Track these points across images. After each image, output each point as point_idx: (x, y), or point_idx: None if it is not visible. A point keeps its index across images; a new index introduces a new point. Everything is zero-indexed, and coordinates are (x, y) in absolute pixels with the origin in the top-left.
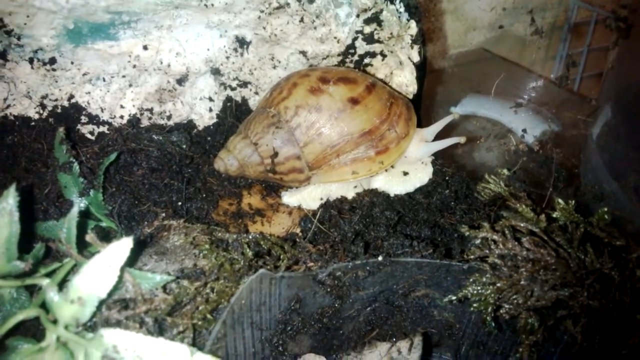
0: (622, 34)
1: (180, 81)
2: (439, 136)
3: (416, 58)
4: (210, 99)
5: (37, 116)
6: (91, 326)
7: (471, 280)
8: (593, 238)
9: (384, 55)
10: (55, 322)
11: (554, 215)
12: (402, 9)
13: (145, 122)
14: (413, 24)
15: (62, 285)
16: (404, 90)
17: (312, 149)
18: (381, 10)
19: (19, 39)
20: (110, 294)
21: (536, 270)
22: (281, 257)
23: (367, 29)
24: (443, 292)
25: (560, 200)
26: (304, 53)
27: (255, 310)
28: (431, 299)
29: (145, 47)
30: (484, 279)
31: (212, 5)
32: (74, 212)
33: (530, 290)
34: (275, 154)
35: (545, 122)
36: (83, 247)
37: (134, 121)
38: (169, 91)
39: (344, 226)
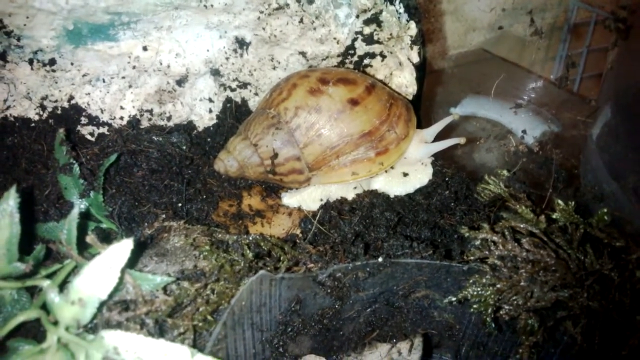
0: (621, 35)
1: (180, 82)
2: (438, 137)
3: (416, 59)
4: (210, 100)
5: (37, 117)
6: (92, 328)
7: (471, 281)
8: (593, 239)
9: (383, 56)
10: (56, 323)
11: (554, 216)
12: (401, 10)
13: (145, 123)
14: (413, 24)
15: (62, 287)
16: (404, 91)
17: (312, 150)
18: (381, 11)
19: (18, 40)
20: (110, 296)
21: (536, 272)
22: (281, 258)
23: (367, 30)
24: (443, 293)
25: (560, 201)
26: (303, 54)
27: (256, 311)
28: (431, 300)
29: (144, 48)
30: (484, 280)
31: (212, 6)
32: (75, 213)
33: (530, 291)
34: (275, 155)
35: (545, 122)
36: (83, 249)
37: (134, 122)
38: (169, 92)
39: (344, 227)
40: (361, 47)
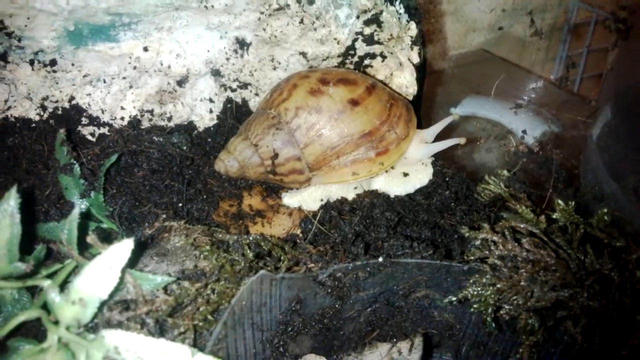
0: (621, 35)
1: (181, 82)
2: (439, 137)
3: (416, 59)
4: (211, 101)
5: (37, 118)
6: (92, 327)
7: (471, 281)
8: (593, 239)
9: (383, 57)
10: (56, 323)
11: (554, 216)
12: (402, 11)
13: (145, 124)
14: (413, 25)
15: (63, 287)
16: (404, 92)
17: (312, 150)
18: (381, 12)
19: (19, 40)
20: (111, 295)
21: (536, 271)
22: (282, 258)
23: (367, 31)
24: (443, 293)
25: (560, 201)
26: (304, 54)
27: (256, 311)
28: (431, 300)
29: (145, 49)
30: (484, 280)
31: (212, 6)
32: (75, 213)
33: (530, 291)
34: (276, 155)
35: (545, 123)
36: (84, 249)
37: (135, 122)
38: (170, 92)
39: (345, 227)
40: (361, 48)
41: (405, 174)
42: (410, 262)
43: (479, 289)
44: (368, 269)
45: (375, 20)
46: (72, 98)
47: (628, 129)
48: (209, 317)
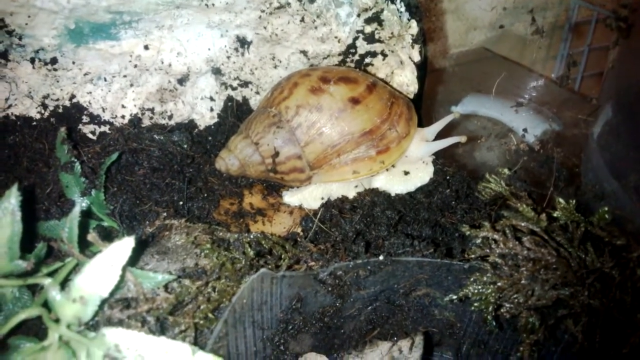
0: (622, 34)
1: (182, 81)
2: (439, 135)
3: (417, 57)
4: (212, 99)
5: (38, 116)
6: (93, 325)
7: (472, 279)
8: (594, 237)
9: (384, 55)
10: (57, 321)
11: (555, 215)
12: (402, 9)
13: (146, 122)
14: (414, 23)
15: (64, 285)
16: (405, 90)
17: (313, 148)
18: (382, 10)
19: (20, 39)
20: (112, 293)
21: (537, 270)
22: (282, 256)
23: (368, 29)
24: (444, 291)
25: (561, 200)
26: (304, 53)
27: (257, 309)
28: (432, 298)
29: (146, 47)
30: (485, 278)
31: (213, 5)
32: (76, 211)
33: (531, 289)
34: (276, 154)
35: (546, 121)
36: (85, 247)
37: (135, 121)
38: (170, 91)
39: (345, 225)
40: (362, 46)
41: (406, 173)
42: (411, 261)
43: (480, 287)
44: (369, 267)
45: (376, 18)
46: (72, 96)
47: (629, 128)
48: (210, 315)
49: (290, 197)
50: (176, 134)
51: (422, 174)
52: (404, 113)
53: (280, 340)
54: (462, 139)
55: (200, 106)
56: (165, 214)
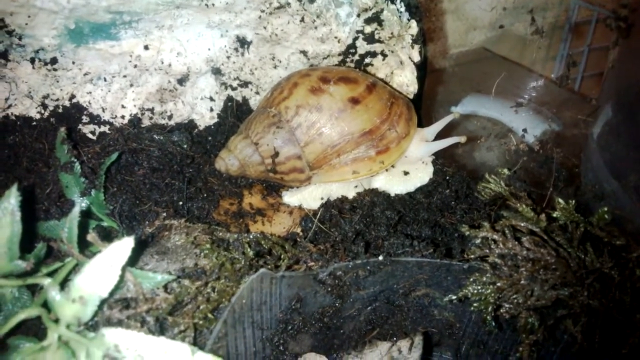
0: (622, 34)
1: (181, 81)
2: (439, 136)
3: (417, 58)
4: (211, 99)
5: (38, 116)
6: (93, 325)
7: (471, 279)
8: (593, 237)
9: (384, 55)
10: (56, 321)
11: (554, 215)
12: (402, 9)
13: (146, 122)
14: (414, 23)
15: (63, 285)
16: (405, 90)
17: (313, 148)
18: (382, 10)
19: (20, 39)
20: (111, 294)
21: (536, 270)
22: (282, 256)
23: (368, 29)
24: (443, 291)
25: (560, 200)
26: (304, 53)
27: (256, 309)
28: (431, 299)
29: (146, 47)
30: (484, 279)
31: (213, 5)
32: (76, 211)
33: (531, 289)
34: (276, 154)
35: (545, 121)
36: (84, 247)
37: (135, 121)
38: (170, 91)
39: (345, 226)
40: (362, 46)
41: (406, 173)
42: (411, 261)
43: (479, 287)
44: (368, 267)
45: (376, 18)
46: (72, 96)
47: (629, 128)
48: (209, 315)
49: (290, 197)
50: (176, 134)
51: (421, 174)
52: (403, 113)
53: (280, 341)
54: (462, 139)
55: (200, 106)
56: (164, 214)
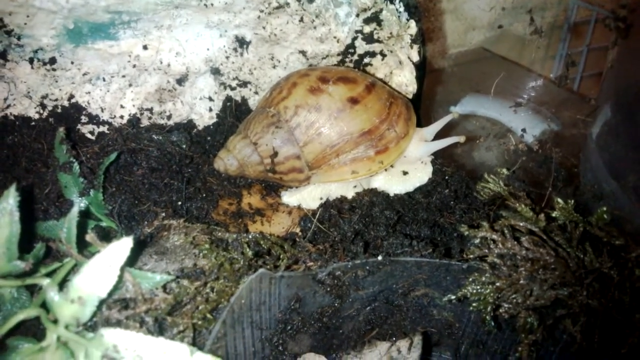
0: (621, 34)
1: (180, 81)
2: (438, 135)
3: (416, 58)
4: (210, 99)
5: (37, 116)
6: (91, 326)
7: (470, 279)
8: (592, 237)
9: (383, 55)
10: (55, 321)
11: (553, 215)
12: (401, 9)
13: (145, 122)
14: (413, 23)
15: (62, 285)
16: (404, 90)
17: (312, 148)
18: (381, 10)
19: (19, 38)
20: (110, 294)
21: (535, 270)
22: (281, 256)
23: (367, 29)
24: (442, 291)
25: (559, 200)
26: (303, 53)
27: (255, 309)
28: (431, 299)
29: (145, 47)
30: (483, 278)
31: (212, 5)
32: (74, 211)
33: (530, 289)
34: (275, 154)
35: (544, 121)
36: (83, 247)
37: (134, 121)
38: (169, 91)
39: (344, 226)
40: (361, 46)
41: (405, 173)
42: (410, 261)
43: (478, 287)
44: (367, 267)
45: (375, 18)
46: (71, 96)
47: (628, 128)
48: (208, 315)
49: (289, 197)
50: (175, 134)
51: (420, 174)
52: (402, 113)
53: (279, 341)
54: (461, 139)
55: (199, 106)
56: (163, 214)
